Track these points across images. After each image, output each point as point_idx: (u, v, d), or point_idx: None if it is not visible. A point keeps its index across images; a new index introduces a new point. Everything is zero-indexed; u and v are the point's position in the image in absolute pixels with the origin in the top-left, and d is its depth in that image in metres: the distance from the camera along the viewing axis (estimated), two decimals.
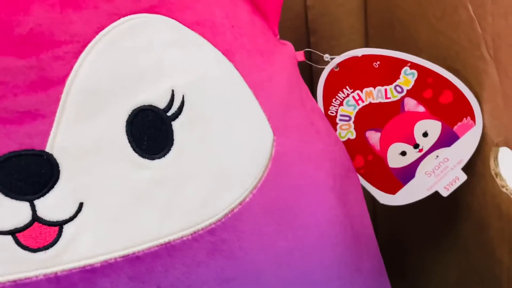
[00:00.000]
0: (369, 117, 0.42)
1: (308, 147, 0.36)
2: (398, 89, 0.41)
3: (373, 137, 0.43)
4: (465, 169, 0.42)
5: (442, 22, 0.43)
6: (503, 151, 0.41)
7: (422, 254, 0.54)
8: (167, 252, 0.31)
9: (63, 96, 0.29)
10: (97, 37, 0.29)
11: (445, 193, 0.43)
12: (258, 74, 0.35)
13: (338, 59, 0.41)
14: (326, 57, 0.40)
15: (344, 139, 0.42)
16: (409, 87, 0.41)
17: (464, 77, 0.41)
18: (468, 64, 0.41)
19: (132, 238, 0.30)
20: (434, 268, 0.53)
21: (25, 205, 0.28)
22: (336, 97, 0.42)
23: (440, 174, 0.43)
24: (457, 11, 0.40)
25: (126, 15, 0.30)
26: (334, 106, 0.42)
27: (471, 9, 0.39)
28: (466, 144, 0.42)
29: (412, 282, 0.55)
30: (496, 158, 0.41)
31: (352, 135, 0.43)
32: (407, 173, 0.43)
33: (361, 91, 0.42)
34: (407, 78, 0.41)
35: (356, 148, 0.43)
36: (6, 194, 0.28)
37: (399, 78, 0.41)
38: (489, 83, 0.40)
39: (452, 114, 0.42)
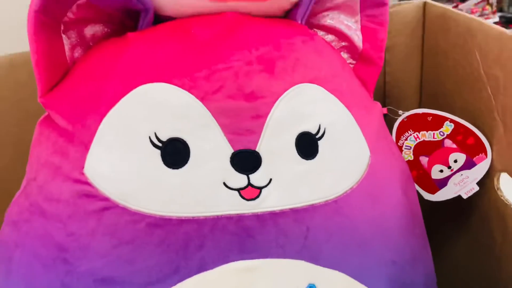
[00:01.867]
0: (422, 148, 0.44)
1: (388, 162, 0.38)
2: (441, 133, 0.44)
3: (424, 160, 0.45)
4: (479, 183, 0.43)
5: (470, 96, 0.44)
6: (503, 175, 0.42)
7: (438, 237, 0.50)
8: (312, 208, 0.32)
9: (266, 123, 0.32)
10: (284, 93, 0.33)
11: (465, 197, 0.43)
12: (363, 119, 0.37)
13: (407, 114, 0.44)
14: (400, 112, 0.44)
15: (406, 160, 0.44)
16: (448, 132, 0.43)
17: (482, 130, 0.43)
18: (485, 122, 0.42)
19: (294, 199, 0.32)
20: (448, 245, 0.51)
21: (245, 177, 0.31)
22: (404, 135, 0.44)
23: (463, 185, 0.43)
24: (480, 90, 0.42)
25: (298, 83, 0.34)
26: (402, 140, 0.45)
27: (489, 89, 0.41)
28: (480, 169, 0.43)
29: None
30: (498, 179, 0.42)
31: (411, 158, 0.45)
32: (442, 182, 0.44)
33: (419, 133, 0.44)
34: (447, 128, 0.43)
35: (413, 165, 0.44)
36: (237, 170, 0.31)
37: (442, 127, 0.43)
38: (497, 134, 0.41)
39: (473, 150, 0.43)
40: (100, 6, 0.35)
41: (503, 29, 0.38)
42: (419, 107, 0.55)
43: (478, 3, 2.64)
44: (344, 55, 0.43)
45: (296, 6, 0.40)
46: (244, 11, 0.38)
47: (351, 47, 0.42)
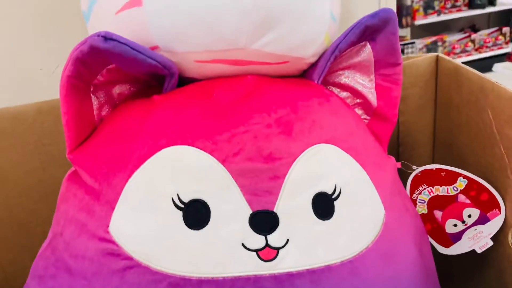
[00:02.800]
0: (436, 202, 0.45)
1: (403, 219, 0.38)
2: (455, 189, 0.44)
3: (438, 214, 0.45)
4: (493, 238, 0.43)
5: (483, 151, 0.45)
6: None
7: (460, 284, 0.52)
8: (328, 269, 0.33)
9: (283, 184, 0.33)
10: (301, 154, 0.34)
11: (479, 251, 0.44)
12: (378, 176, 0.38)
13: (420, 169, 0.44)
14: (414, 167, 0.44)
15: (420, 213, 0.44)
16: (462, 188, 0.44)
17: (495, 186, 0.43)
18: (499, 179, 0.43)
19: (311, 260, 0.33)
20: None
21: (262, 238, 0.32)
22: (418, 189, 0.45)
23: (477, 239, 0.44)
24: (493, 147, 0.43)
25: (314, 144, 0.35)
26: (416, 194, 0.45)
27: (502, 148, 0.42)
28: (494, 224, 0.43)
29: None
30: (511, 234, 0.42)
31: (425, 211, 0.45)
32: (457, 237, 0.44)
33: (433, 187, 0.44)
34: (461, 183, 0.44)
35: (427, 219, 0.45)
36: (255, 231, 0.32)
37: (456, 182, 0.44)
38: (510, 191, 0.42)
39: (487, 206, 0.43)
40: (128, 71, 0.37)
41: None
42: (433, 156, 0.56)
43: (460, 39, 2.66)
44: (359, 111, 0.44)
45: (312, 66, 0.42)
46: (264, 73, 0.40)
47: (365, 104, 0.43)
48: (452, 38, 2.70)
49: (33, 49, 0.54)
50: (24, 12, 0.53)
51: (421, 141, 0.56)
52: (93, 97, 0.38)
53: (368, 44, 0.41)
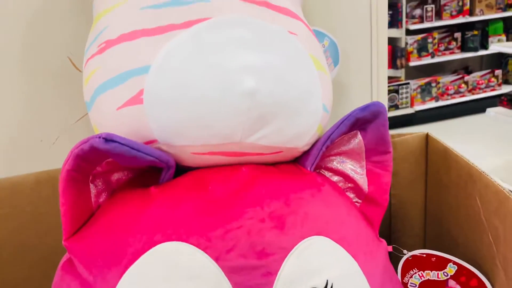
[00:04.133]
0: (427, 286, 0.45)
1: None
2: (445, 274, 0.45)
3: None
4: None
5: (472, 236, 0.46)
6: None
7: None
8: None
9: (276, 280, 0.33)
10: (294, 249, 0.34)
11: None
12: (369, 266, 0.38)
13: (411, 253, 0.45)
14: (405, 252, 0.45)
15: None
16: (452, 273, 0.45)
17: (484, 272, 0.44)
18: (488, 266, 0.44)
19: None
20: None
21: None
22: (409, 272, 0.46)
23: None
24: (482, 234, 0.44)
25: (307, 237, 0.36)
26: (407, 278, 0.46)
27: (490, 236, 0.43)
28: None
29: None
30: None
31: None
32: None
33: (424, 272, 0.45)
34: (451, 269, 0.45)
35: None
36: None
37: (446, 268, 0.45)
38: (499, 280, 0.43)
39: None
40: (127, 165, 0.38)
41: (501, 186, 0.40)
42: (424, 229, 0.56)
43: (454, 80, 2.72)
44: (350, 194, 0.45)
45: (305, 153, 0.43)
46: (258, 161, 0.41)
47: (356, 189, 0.44)
48: (445, 79, 2.76)
49: (34, 120, 0.55)
50: (26, 84, 0.55)
51: (413, 214, 0.57)
52: (91, 185, 0.39)
53: (359, 133, 0.43)
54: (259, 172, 0.40)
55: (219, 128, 0.37)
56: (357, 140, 0.43)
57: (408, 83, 2.65)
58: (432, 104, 2.70)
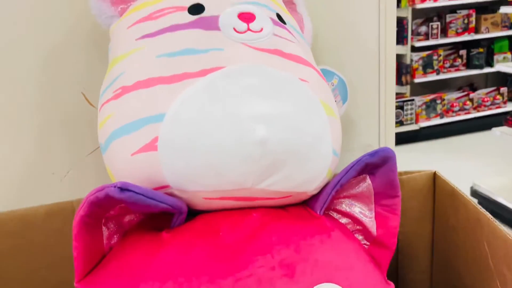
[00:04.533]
0: None
1: None
2: None
3: None
4: None
5: (480, 278, 0.45)
6: None
7: None
8: None
9: None
10: None
11: None
12: None
13: None
14: None
15: None
16: None
17: None
18: None
19: None
20: None
21: None
22: None
23: None
24: (489, 280, 0.44)
25: (316, 284, 0.36)
26: None
27: (498, 283, 0.42)
28: None
29: None
30: None
31: None
32: None
33: None
34: None
35: None
36: None
37: None
38: None
39: None
40: (140, 211, 0.38)
41: (509, 234, 0.40)
42: (431, 267, 0.57)
43: (459, 97, 2.72)
44: (359, 236, 0.45)
45: (314, 196, 0.44)
46: (267, 205, 0.42)
47: (365, 231, 0.45)
48: (450, 96, 2.76)
49: (46, 153, 0.56)
50: (39, 118, 0.56)
51: (420, 251, 0.57)
52: (103, 227, 0.40)
53: (368, 177, 0.43)
54: (269, 217, 0.41)
55: (231, 176, 0.38)
56: (366, 184, 0.44)
57: (413, 100, 2.66)
58: (437, 121, 2.70)
